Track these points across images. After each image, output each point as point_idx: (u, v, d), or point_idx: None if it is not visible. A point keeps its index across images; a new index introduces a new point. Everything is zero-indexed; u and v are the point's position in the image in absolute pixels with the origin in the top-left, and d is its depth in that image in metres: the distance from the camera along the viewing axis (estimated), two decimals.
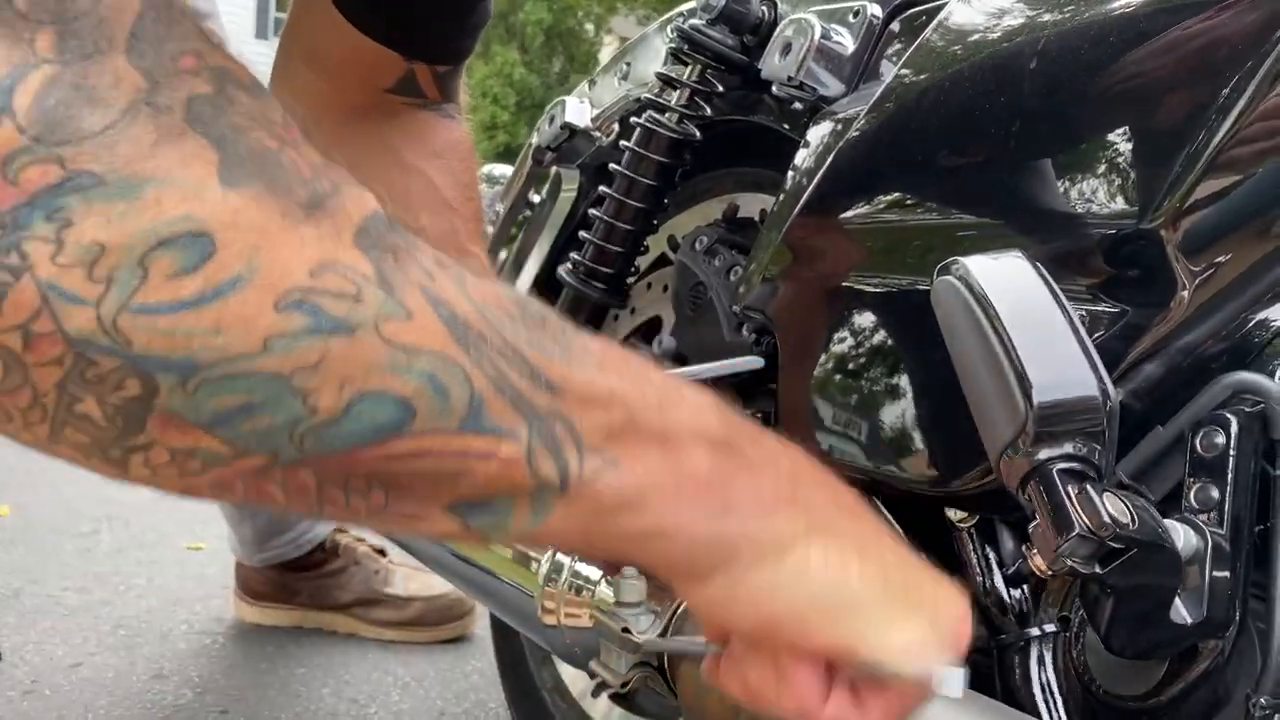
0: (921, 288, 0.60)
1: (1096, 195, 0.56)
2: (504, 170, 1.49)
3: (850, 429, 0.68)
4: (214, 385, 0.32)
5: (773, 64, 0.84)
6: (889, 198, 0.68)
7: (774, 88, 0.84)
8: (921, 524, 0.70)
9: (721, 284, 0.95)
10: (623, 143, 1.01)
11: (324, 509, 0.37)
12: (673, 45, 0.95)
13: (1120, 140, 0.56)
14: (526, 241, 1.29)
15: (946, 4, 0.70)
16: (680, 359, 1.01)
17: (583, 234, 1.05)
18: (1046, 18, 0.61)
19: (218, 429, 0.33)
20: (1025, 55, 0.60)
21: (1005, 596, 0.63)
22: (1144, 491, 0.53)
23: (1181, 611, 0.49)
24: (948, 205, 0.64)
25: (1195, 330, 0.54)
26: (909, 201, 0.67)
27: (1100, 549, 0.44)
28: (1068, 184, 0.58)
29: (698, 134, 0.97)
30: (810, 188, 0.73)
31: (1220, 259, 0.53)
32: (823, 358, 0.70)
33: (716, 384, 0.85)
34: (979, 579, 0.64)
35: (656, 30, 1.12)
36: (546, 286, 1.23)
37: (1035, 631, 0.60)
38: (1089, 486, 0.45)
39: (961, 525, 0.65)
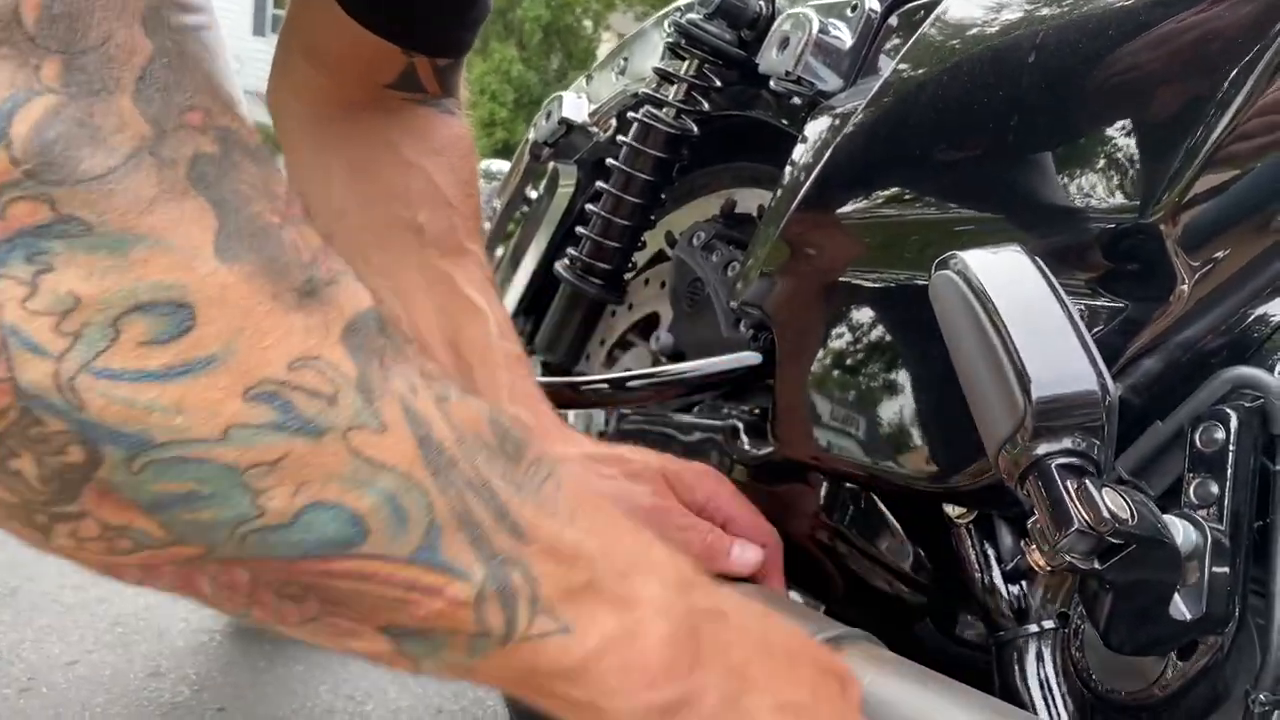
0: (920, 283, 0.60)
1: (1095, 189, 0.56)
2: (501, 166, 1.49)
3: (848, 425, 0.68)
4: (162, 466, 0.30)
5: (770, 58, 0.84)
6: (887, 193, 0.68)
7: (772, 82, 0.84)
8: (919, 520, 0.70)
9: (719, 280, 0.94)
10: (620, 138, 1.00)
11: (252, 610, 0.35)
12: (670, 40, 0.94)
13: (1119, 134, 0.56)
14: (524, 237, 1.29)
15: None
16: (678, 355, 1.01)
17: (580, 229, 1.05)
18: (1045, 12, 0.60)
19: (157, 512, 0.31)
20: (1024, 49, 0.60)
21: (1004, 593, 0.62)
22: (1143, 487, 0.53)
23: (1181, 607, 0.49)
24: (946, 200, 0.64)
25: (1195, 325, 0.54)
26: (907, 196, 0.67)
27: (1099, 544, 0.44)
28: (1066, 178, 0.57)
29: (695, 129, 0.97)
30: (808, 183, 0.73)
31: (1220, 253, 0.53)
32: (820, 353, 0.70)
33: (714, 380, 0.85)
34: (977, 575, 0.64)
35: (654, 25, 1.11)
36: (544, 282, 1.23)
37: (1034, 628, 0.60)
38: (1088, 482, 0.44)
39: (960, 521, 0.64)
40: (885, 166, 0.69)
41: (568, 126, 1.18)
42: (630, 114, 0.99)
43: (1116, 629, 0.49)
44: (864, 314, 0.68)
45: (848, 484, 0.74)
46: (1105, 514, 0.43)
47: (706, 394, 0.91)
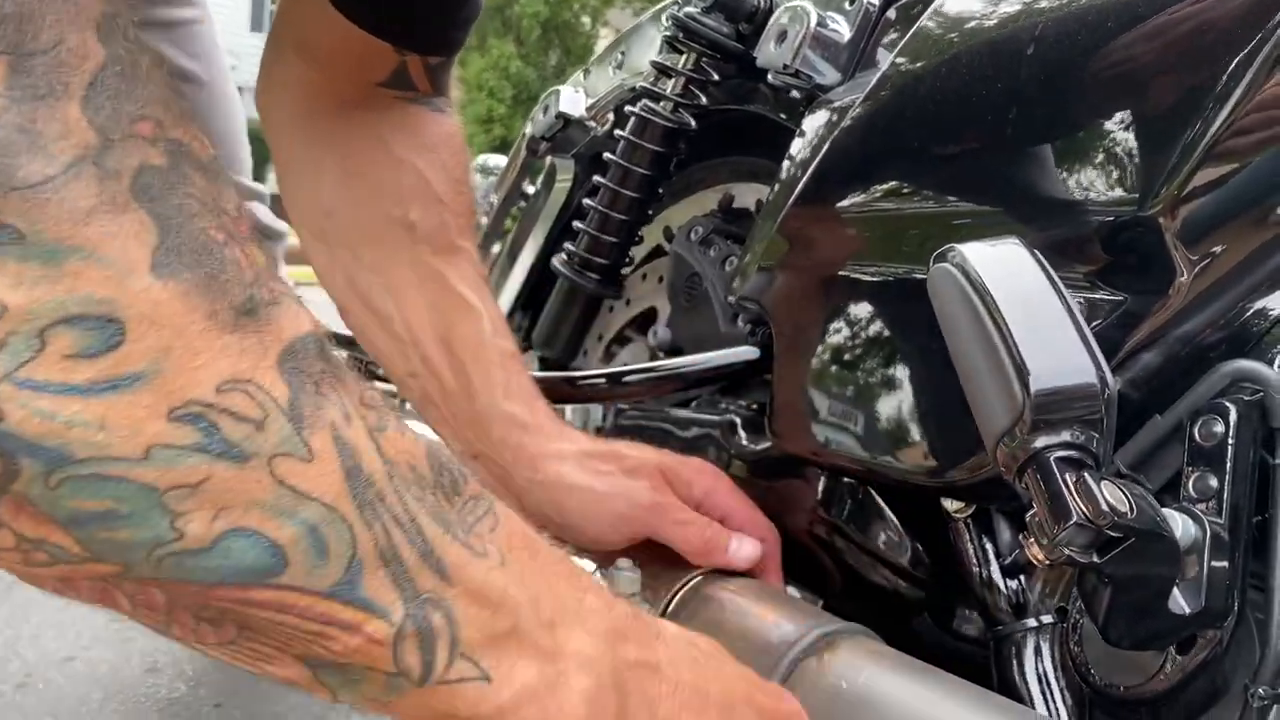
0: (918, 276, 0.60)
1: (1094, 182, 0.55)
2: (499, 161, 1.49)
3: (845, 419, 0.68)
4: (80, 483, 0.29)
5: (768, 52, 0.83)
6: (885, 187, 0.68)
7: (769, 76, 0.84)
8: (917, 515, 0.70)
9: (717, 274, 0.94)
10: (617, 132, 1.00)
11: (170, 628, 0.35)
12: (668, 33, 0.94)
13: (1118, 127, 0.55)
14: (521, 233, 1.29)
15: None
16: (675, 350, 1.01)
17: (577, 224, 1.04)
18: (1043, 4, 0.60)
19: (74, 529, 0.30)
20: (1022, 42, 0.60)
21: (1002, 587, 0.62)
22: (1142, 481, 0.53)
23: (1180, 601, 0.48)
24: (944, 194, 0.64)
25: (1194, 318, 0.54)
26: (905, 190, 0.66)
27: (1098, 538, 0.44)
28: (1065, 171, 0.57)
29: (693, 123, 0.96)
30: (806, 177, 0.73)
31: (1219, 246, 0.53)
32: (818, 348, 0.70)
33: (712, 375, 0.85)
34: (975, 570, 0.63)
35: (651, 19, 1.11)
36: (541, 278, 1.23)
37: (1032, 622, 0.60)
38: (1087, 475, 0.44)
39: (958, 516, 0.64)
40: (883, 160, 0.69)
41: (565, 121, 1.18)
42: (628, 108, 0.99)
43: (1115, 623, 0.49)
44: (862, 308, 0.68)
45: (846, 479, 0.74)
46: (1104, 507, 0.43)
47: (704, 389, 0.91)
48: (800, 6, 0.81)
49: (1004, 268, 0.49)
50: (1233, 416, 0.51)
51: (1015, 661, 0.59)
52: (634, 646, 0.43)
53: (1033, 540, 0.45)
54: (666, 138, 0.97)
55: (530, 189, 1.33)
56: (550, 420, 0.74)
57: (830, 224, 0.72)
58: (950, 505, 0.65)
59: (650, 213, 1.04)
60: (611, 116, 1.13)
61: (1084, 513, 0.43)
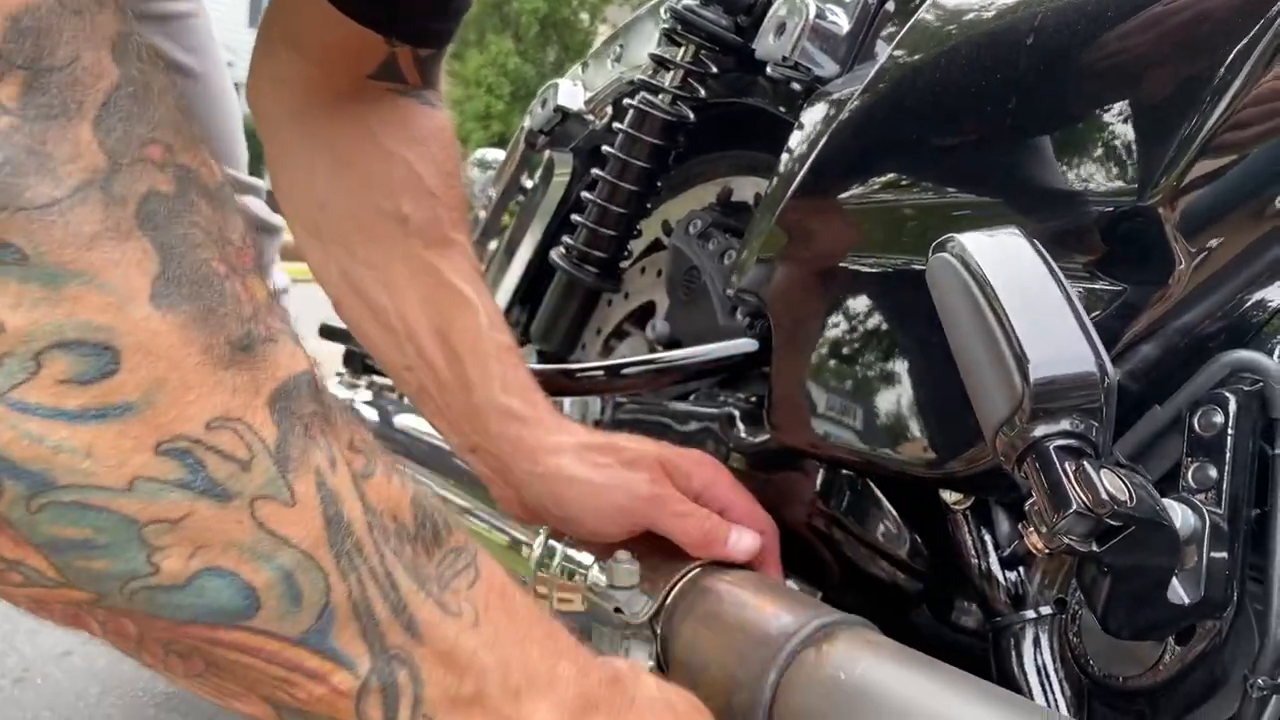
0: (917, 268, 0.59)
1: (1093, 172, 0.55)
2: (496, 155, 1.49)
3: (844, 411, 0.67)
4: (61, 510, 0.29)
5: (767, 44, 0.83)
6: (884, 178, 0.68)
7: (768, 68, 0.84)
8: (916, 507, 0.70)
9: (715, 268, 0.94)
10: (616, 125, 1.00)
11: (141, 655, 0.35)
12: (666, 26, 0.94)
13: (1117, 117, 0.55)
14: (519, 227, 1.29)
15: None
16: (673, 343, 1.01)
17: (576, 218, 1.04)
18: None
19: (51, 554, 0.30)
20: (1021, 32, 0.59)
21: (1001, 579, 0.62)
22: (1141, 472, 0.53)
23: (1179, 592, 0.48)
24: (943, 184, 0.64)
25: (1193, 308, 0.53)
26: (904, 182, 0.66)
27: (1098, 526, 0.44)
28: (1064, 161, 0.57)
29: (691, 115, 0.96)
30: (804, 169, 0.73)
31: (1219, 237, 0.53)
32: (817, 340, 0.70)
33: (710, 367, 0.85)
34: (974, 561, 0.63)
35: (650, 12, 1.11)
36: (539, 272, 1.23)
37: (1031, 614, 0.59)
38: (1086, 463, 0.44)
39: (957, 507, 0.64)
40: (882, 152, 0.69)
41: (563, 114, 1.18)
42: (626, 101, 0.99)
43: (1114, 613, 0.48)
44: (861, 300, 0.68)
45: (844, 471, 0.74)
46: (1104, 495, 0.43)
47: (702, 381, 0.91)
48: None
49: (1003, 257, 0.49)
50: (1232, 407, 0.51)
51: (1014, 653, 0.59)
52: (604, 717, 0.43)
53: (1032, 529, 0.45)
54: (665, 130, 0.97)
55: (528, 183, 1.32)
56: (548, 413, 0.74)
57: (829, 216, 0.72)
58: (949, 497, 0.65)
59: (649, 206, 1.03)
60: (610, 110, 1.13)
61: (1083, 501, 0.43)
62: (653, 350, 1.04)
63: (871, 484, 0.73)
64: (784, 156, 0.77)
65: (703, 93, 0.96)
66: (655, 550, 0.70)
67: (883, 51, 0.75)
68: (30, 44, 0.28)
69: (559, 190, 1.21)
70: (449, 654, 0.37)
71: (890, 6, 0.79)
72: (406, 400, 1.24)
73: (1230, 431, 0.50)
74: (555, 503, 0.72)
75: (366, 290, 0.75)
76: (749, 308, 0.81)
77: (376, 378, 1.33)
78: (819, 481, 0.76)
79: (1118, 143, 0.55)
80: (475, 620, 0.38)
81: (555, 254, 1.06)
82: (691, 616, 0.65)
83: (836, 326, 0.69)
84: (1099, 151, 0.56)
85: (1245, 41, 0.51)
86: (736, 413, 0.84)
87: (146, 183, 0.30)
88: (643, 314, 1.12)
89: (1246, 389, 0.51)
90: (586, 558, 0.74)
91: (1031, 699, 0.57)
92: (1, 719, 1.32)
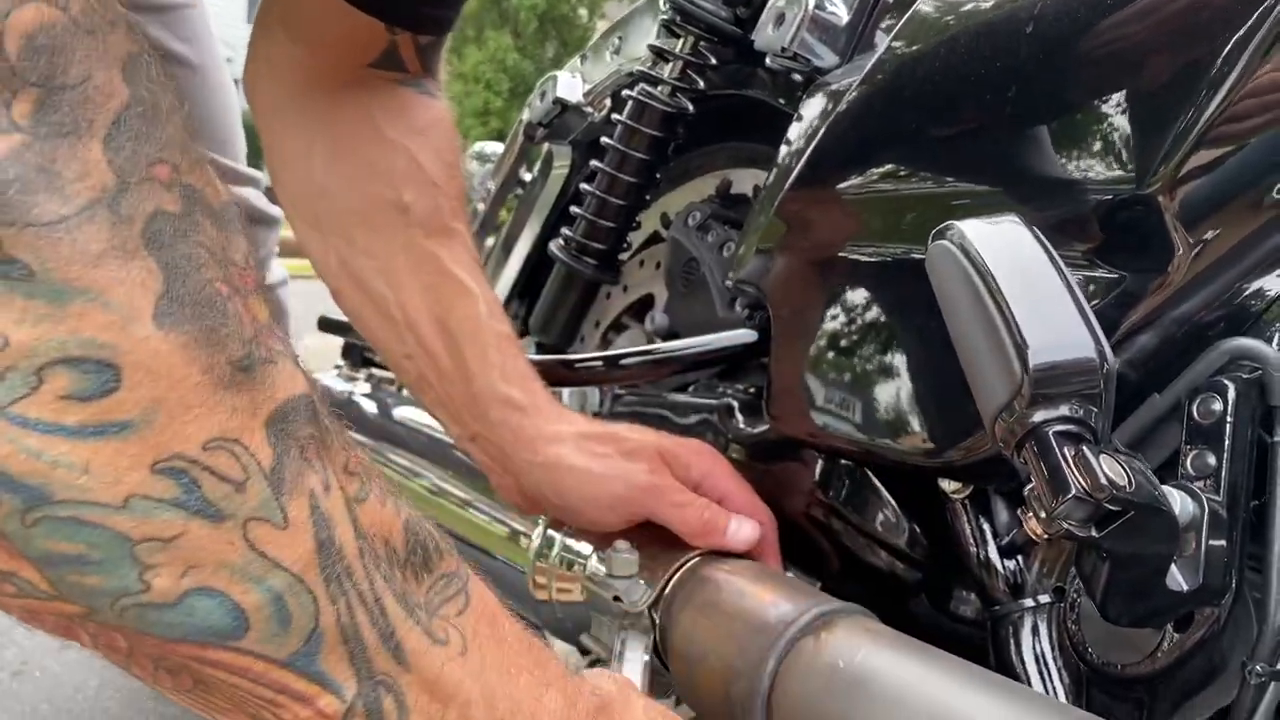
0: (916, 257, 0.59)
1: (1093, 161, 0.55)
2: (495, 148, 1.48)
3: (843, 401, 0.67)
4: (56, 524, 0.29)
5: (766, 35, 0.83)
6: (883, 168, 0.68)
7: (768, 60, 0.83)
8: (915, 496, 0.70)
9: (715, 260, 0.94)
10: (615, 116, 1.00)
11: (131, 669, 0.35)
12: (665, 17, 0.94)
13: (1116, 105, 0.55)
14: (518, 221, 1.29)
15: None
16: (672, 336, 1.01)
17: (575, 209, 1.04)
18: None
19: (45, 568, 0.30)
20: (1020, 20, 0.59)
21: (999, 568, 0.62)
22: (1140, 459, 0.53)
23: (1178, 579, 0.48)
24: (942, 174, 0.64)
25: (1192, 296, 0.53)
26: (903, 172, 0.66)
27: (1097, 511, 0.44)
28: (1063, 150, 0.57)
29: (690, 107, 0.96)
30: (804, 159, 0.73)
31: (1218, 225, 0.53)
32: (816, 330, 0.70)
33: (709, 358, 0.85)
34: (973, 550, 0.63)
35: (649, 4, 1.11)
36: (538, 265, 1.22)
37: (1029, 602, 0.59)
38: (1085, 449, 0.44)
39: (955, 496, 0.64)
40: (881, 142, 0.69)
41: (562, 107, 1.18)
42: (625, 92, 0.99)
43: (1113, 600, 0.48)
44: (860, 290, 0.68)
45: (843, 461, 0.74)
46: (1103, 480, 0.43)
47: (701, 372, 0.91)
48: None
49: (1003, 244, 0.49)
50: (1231, 394, 0.51)
51: (1013, 641, 0.59)
52: None
53: (1031, 514, 0.45)
54: (664, 122, 0.97)
55: (527, 176, 1.32)
56: (548, 402, 0.74)
57: (828, 206, 0.72)
58: (948, 486, 0.65)
59: (648, 197, 1.03)
60: (609, 102, 1.13)
61: (1083, 486, 0.43)
62: (651, 342, 1.04)
63: (870, 474, 0.73)
64: (783, 147, 0.77)
65: (702, 84, 0.96)
66: (654, 540, 0.70)
67: (882, 42, 0.75)
68: (44, 62, 0.28)
69: (557, 183, 1.21)
70: (435, 682, 0.37)
71: None
72: (405, 392, 1.24)
73: (1229, 419, 0.50)
74: (554, 492, 0.72)
75: (366, 279, 0.75)
76: (748, 299, 0.81)
77: (375, 370, 1.33)
78: (818, 471, 0.76)
79: (1117, 131, 0.55)
80: (463, 648, 0.38)
81: (554, 246, 1.06)
82: (690, 605, 0.65)
83: (835, 317, 0.69)
84: (1098, 140, 0.56)
85: (1243, 31, 0.51)
86: (735, 404, 0.84)
87: (153, 202, 0.30)
88: (641, 307, 1.12)
89: (1245, 376, 0.51)
90: (585, 547, 0.74)
91: (1030, 687, 0.57)
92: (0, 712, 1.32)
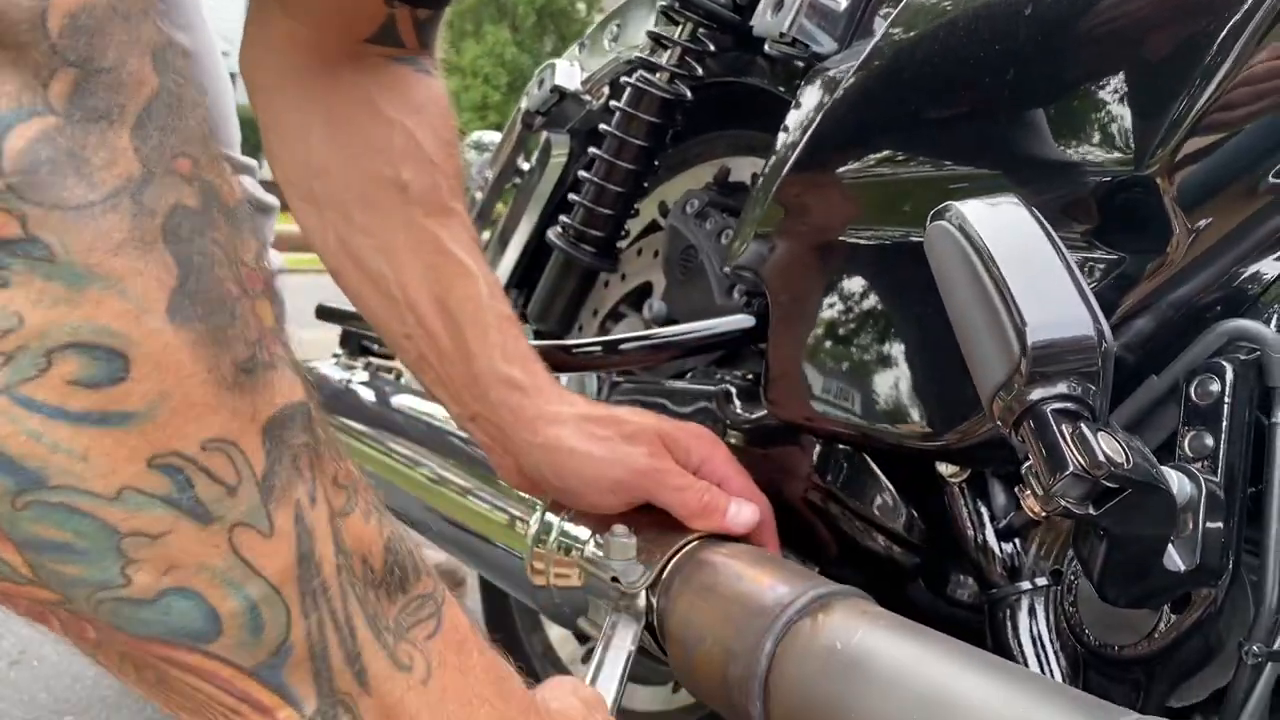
0: (914, 241, 0.59)
1: (1091, 142, 0.55)
2: (493, 137, 1.48)
3: (840, 386, 0.67)
4: (46, 510, 0.29)
5: (765, 21, 0.83)
6: (881, 152, 0.67)
7: (766, 46, 0.83)
8: (912, 480, 0.70)
9: (713, 247, 0.94)
10: (613, 103, 1.00)
11: (98, 658, 0.35)
12: (664, 4, 0.94)
13: (1114, 87, 0.55)
14: (516, 209, 1.28)
15: None
16: (670, 323, 1.01)
17: (573, 197, 1.04)
18: None
19: (28, 552, 0.30)
20: (1018, 3, 0.59)
21: (997, 551, 0.62)
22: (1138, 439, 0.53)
23: (1175, 559, 0.48)
24: (941, 157, 0.64)
25: (1191, 277, 0.53)
26: (901, 156, 0.66)
27: (1094, 489, 0.44)
28: (1062, 132, 0.57)
29: (689, 94, 0.96)
30: (802, 144, 0.73)
31: (1217, 205, 0.53)
32: (813, 315, 0.70)
33: (707, 343, 0.85)
34: (970, 533, 0.63)
35: None
36: (536, 254, 1.22)
37: (1027, 585, 0.60)
38: (1084, 426, 0.44)
39: (953, 480, 0.64)
40: (879, 126, 0.69)
41: (560, 94, 1.18)
42: (624, 79, 0.99)
43: (1111, 580, 0.49)
44: (857, 274, 0.68)
45: (840, 445, 0.74)
46: (1101, 457, 0.43)
47: (699, 358, 0.91)
48: None
49: (1001, 224, 0.49)
50: (1229, 375, 0.51)
51: (1010, 624, 0.59)
52: None
53: (1029, 492, 0.45)
54: (662, 109, 0.97)
55: (525, 164, 1.32)
56: (548, 383, 0.74)
57: (826, 191, 0.71)
58: (945, 469, 0.65)
59: (646, 185, 1.03)
60: (607, 90, 1.13)
61: (1080, 463, 0.43)
62: (649, 330, 1.04)
63: (867, 458, 0.73)
64: (781, 134, 0.77)
65: (700, 71, 0.95)
66: (653, 523, 0.70)
67: (880, 28, 0.75)
68: (84, 43, 0.28)
69: (556, 171, 1.20)
70: (393, 709, 0.37)
71: None
72: (404, 380, 1.23)
73: (1227, 400, 0.50)
74: (554, 473, 0.72)
75: (365, 258, 0.75)
76: (746, 285, 0.81)
77: (374, 358, 1.33)
78: (815, 456, 0.76)
79: (1114, 114, 0.55)
80: (425, 676, 0.38)
81: (552, 233, 1.06)
82: (688, 588, 0.65)
83: (832, 302, 0.69)
84: (1096, 122, 0.56)
85: (1239, 16, 0.51)
86: (733, 390, 0.84)
87: (175, 195, 0.30)
88: (639, 296, 1.12)
89: (1243, 358, 0.51)
90: (583, 532, 0.74)
91: (1027, 669, 0.57)
92: None
